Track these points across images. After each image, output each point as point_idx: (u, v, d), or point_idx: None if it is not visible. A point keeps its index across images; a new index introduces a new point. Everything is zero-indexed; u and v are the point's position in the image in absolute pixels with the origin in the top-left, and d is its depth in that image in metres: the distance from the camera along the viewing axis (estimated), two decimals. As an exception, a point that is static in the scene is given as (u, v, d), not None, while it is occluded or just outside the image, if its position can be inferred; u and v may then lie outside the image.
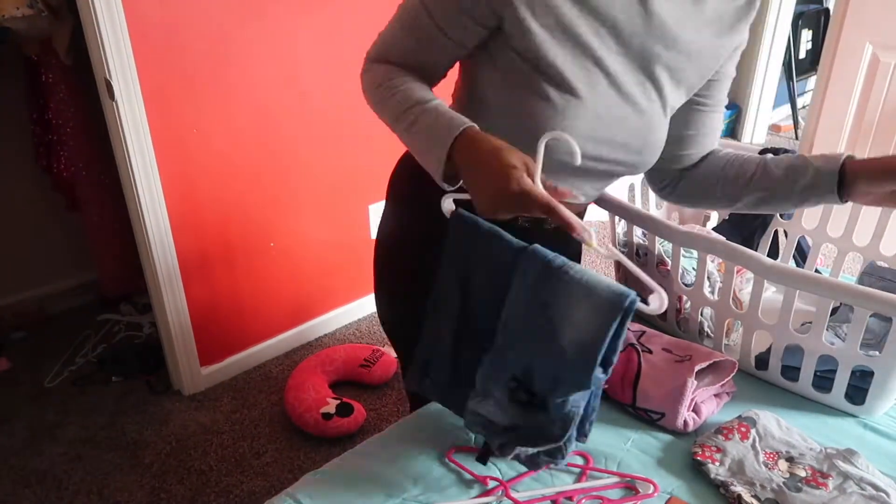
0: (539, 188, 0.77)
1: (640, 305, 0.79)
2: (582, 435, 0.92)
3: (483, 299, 0.93)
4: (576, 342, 0.83)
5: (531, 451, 0.89)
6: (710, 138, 1.14)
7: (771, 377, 1.15)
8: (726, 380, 1.07)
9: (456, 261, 0.95)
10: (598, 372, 0.82)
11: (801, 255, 1.41)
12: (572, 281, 0.83)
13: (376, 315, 2.61)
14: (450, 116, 0.87)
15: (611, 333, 0.80)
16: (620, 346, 0.83)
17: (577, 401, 0.86)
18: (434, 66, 0.99)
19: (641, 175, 1.41)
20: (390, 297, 1.24)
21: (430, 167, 0.88)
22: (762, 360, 1.15)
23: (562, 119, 0.93)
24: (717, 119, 1.13)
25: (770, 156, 1.08)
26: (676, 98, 1.02)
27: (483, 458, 0.96)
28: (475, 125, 0.86)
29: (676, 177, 1.17)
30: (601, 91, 0.94)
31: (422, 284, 1.01)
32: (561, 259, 0.85)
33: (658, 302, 0.78)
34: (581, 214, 1.16)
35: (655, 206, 1.50)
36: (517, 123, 0.94)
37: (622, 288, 0.80)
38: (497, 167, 0.79)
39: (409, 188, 1.17)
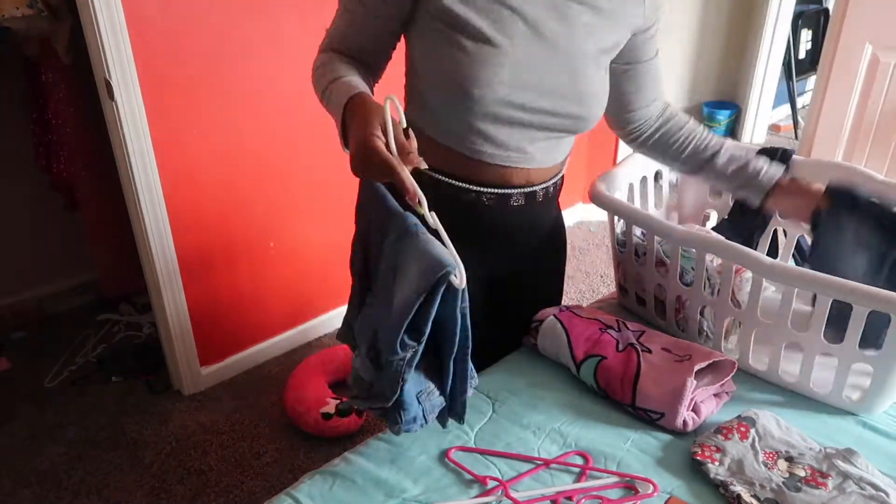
0: (384, 150, 0.81)
1: (451, 279, 0.81)
2: (455, 414, 0.95)
3: (370, 258, 0.98)
4: (397, 304, 0.86)
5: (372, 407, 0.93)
6: (648, 90, 1.19)
7: (771, 377, 1.15)
8: (725, 379, 1.08)
9: (361, 219, 1.02)
10: (406, 338, 0.84)
11: (801, 254, 1.41)
12: (415, 245, 0.86)
13: (376, 315, 2.63)
14: (350, 86, 0.93)
15: (419, 300, 0.82)
16: (431, 317, 0.84)
17: (401, 364, 0.86)
18: (370, 49, 1.04)
19: (641, 175, 1.42)
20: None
21: (340, 136, 0.95)
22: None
23: (481, 68, 0.97)
24: (650, 71, 1.17)
25: (729, 150, 1.21)
26: (599, 48, 1.06)
27: (344, 413, 1.01)
28: (366, 92, 0.92)
29: (642, 133, 1.25)
30: (519, 37, 0.99)
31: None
32: (420, 227, 0.88)
33: (458, 279, 0.81)
34: (556, 185, 1.19)
35: (654, 206, 1.50)
36: (444, 82, 1.00)
37: (445, 259, 0.81)
38: (359, 129, 0.84)
39: None
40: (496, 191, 1.11)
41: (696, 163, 1.23)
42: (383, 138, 0.82)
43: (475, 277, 1.07)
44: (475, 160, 1.07)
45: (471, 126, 1.03)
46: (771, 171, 1.18)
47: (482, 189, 1.10)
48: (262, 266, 2.28)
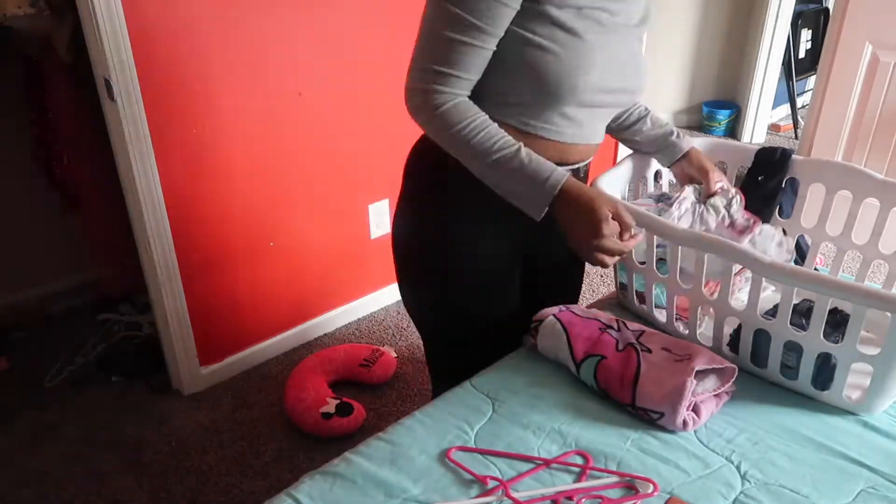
0: (619, 246, 1.01)
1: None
2: None
3: None
4: None
5: None
6: None
7: (770, 375, 1.15)
8: (727, 386, 1.08)
9: None
10: None
11: (801, 254, 1.41)
12: None
13: (376, 315, 2.63)
14: (542, 167, 1.02)
15: None
16: None
17: None
18: (483, 65, 1.05)
19: (640, 175, 1.43)
20: (413, 286, 1.31)
21: (523, 207, 1.05)
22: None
23: (577, 61, 1.04)
24: None
25: (652, 117, 1.39)
26: (639, 18, 1.15)
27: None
28: (574, 179, 1.03)
29: None
30: (601, 24, 1.06)
31: (445, 270, 1.19)
32: None
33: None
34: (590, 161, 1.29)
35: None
36: (538, 79, 1.04)
37: None
38: (591, 221, 1.00)
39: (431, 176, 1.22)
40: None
41: (626, 124, 1.37)
42: (614, 229, 1.00)
43: (516, 249, 1.24)
44: (552, 141, 1.12)
45: (560, 113, 1.09)
46: (682, 142, 1.36)
47: None
48: (261, 266, 2.28)
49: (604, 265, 1.02)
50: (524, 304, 1.32)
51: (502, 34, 1.01)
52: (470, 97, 1.07)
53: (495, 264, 1.23)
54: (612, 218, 1.01)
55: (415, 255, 1.25)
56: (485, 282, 1.23)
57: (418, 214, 1.23)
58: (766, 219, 1.41)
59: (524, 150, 1.03)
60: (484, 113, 1.05)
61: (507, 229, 1.19)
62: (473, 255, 1.20)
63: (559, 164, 1.12)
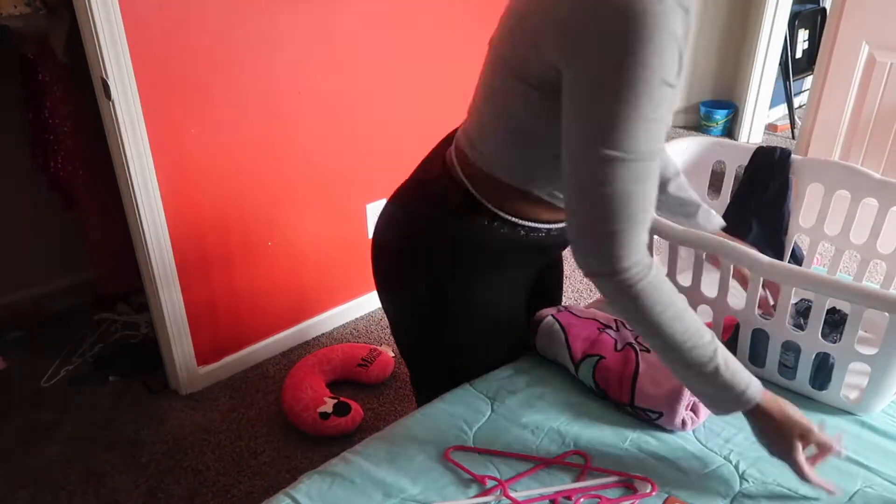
0: (803, 459, 0.92)
1: None
2: None
3: None
4: None
5: None
6: None
7: (768, 375, 1.16)
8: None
9: None
10: None
11: (796, 261, 1.42)
12: None
13: (374, 314, 2.62)
14: (739, 377, 0.90)
15: None
16: None
17: None
18: None
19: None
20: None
21: (707, 404, 0.95)
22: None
23: None
24: None
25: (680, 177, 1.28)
26: None
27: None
28: (763, 390, 0.93)
29: None
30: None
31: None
32: None
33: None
34: None
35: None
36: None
37: None
38: (787, 434, 0.92)
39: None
40: (561, 225, 1.09)
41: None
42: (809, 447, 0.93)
43: (523, 293, 1.20)
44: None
45: None
46: (712, 221, 1.27)
47: (553, 226, 1.09)
48: (259, 265, 2.28)
49: (806, 479, 0.92)
50: None
51: None
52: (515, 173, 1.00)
53: (505, 315, 1.18)
54: (807, 437, 0.92)
55: (415, 314, 1.17)
56: (490, 329, 1.17)
57: (423, 278, 1.12)
58: (773, 224, 1.40)
59: (721, 354, 0.89)
60: (677, 292, 0.90)
61: (514, 278, 1.16)
62: (479, 302, 1.12)
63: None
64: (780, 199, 1.39)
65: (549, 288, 1.36)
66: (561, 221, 1.08)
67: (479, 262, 1.09)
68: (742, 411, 0.93)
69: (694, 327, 0.88)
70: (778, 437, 0.93)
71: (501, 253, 1.09)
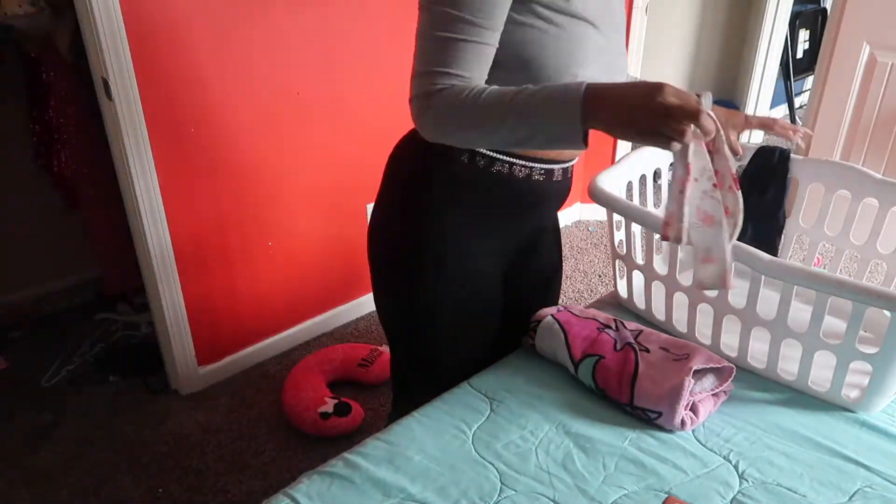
0: (680, 96, 0.79)
1: None
2: None
3: None
4: None
5: None
6: None
7: (769, 374, 1.16)
8: (725, 385, 1.08)
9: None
10: None
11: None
12: None
13: (374, 314, 2.62)
14: (559, 87, 0.88)
15: None
16: None
17: None
18: (484, 64, 0.97)
19: (640, 174, 1.43)
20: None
21: (561, 136, 0.89)
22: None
23: (580, 48, 0.99)
24: None
25: None
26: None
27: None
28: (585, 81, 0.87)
29: None
30: (597, 7, 1.01)
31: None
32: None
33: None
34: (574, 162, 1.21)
35: (653, 206, 1.50)
36: (540, 67, 0.99)
37: None
38: (644, 88, 0.81)
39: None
40: (546, 166, 1.11)
41: None
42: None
43: (501, 252, 1.18)
44: None
45: None
46: None
47: (535, 165, 1.09)
48: (260, 265, 2.28)
49: (683, 133, 0.78)
50: (509, 316, 1.27)
51: (500, 27, 0.95)
52: None
53: (478, 281, 1.17)
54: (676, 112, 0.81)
55: (392, 266, 1.19)
56: (466, 296, 1.17)
57: (400, 226, 1.16)
58: (768, 229, 1.40)
59: (531, 86, 0.91)
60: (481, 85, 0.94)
61: (491, 245, 1.16)
62: (457, 269, 1.14)
63: (554, 161, 1.10)
64: (776, 202, 1.39)
65: (548, 280, 1.36)
66: (541, 161, 1.09)
67: (455, 196, 1.09)
68: (583, 106, 0.84)
69: (494, 99, 0.90)
70: (635, 109, 0.81)
71: (480, 194, 1.08)
